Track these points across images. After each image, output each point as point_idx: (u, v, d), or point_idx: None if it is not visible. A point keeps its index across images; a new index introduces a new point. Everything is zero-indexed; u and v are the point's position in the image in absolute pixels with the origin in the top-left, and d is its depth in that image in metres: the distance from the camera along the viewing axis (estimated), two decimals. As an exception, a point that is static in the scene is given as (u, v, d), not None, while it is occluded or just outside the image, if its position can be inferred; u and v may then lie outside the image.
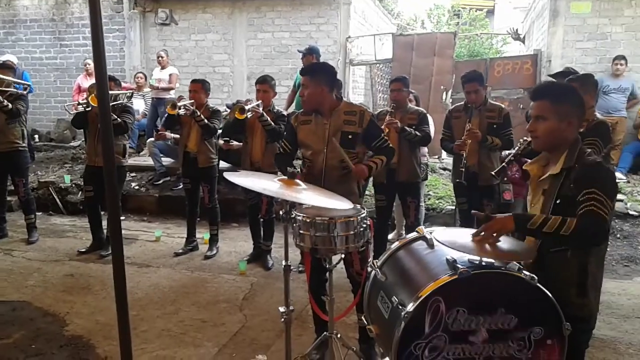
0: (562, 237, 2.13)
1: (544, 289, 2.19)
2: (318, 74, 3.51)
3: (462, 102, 5.15)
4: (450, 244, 2.29)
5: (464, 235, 2.39)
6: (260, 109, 5.25)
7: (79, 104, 5.78)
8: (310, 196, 2.71)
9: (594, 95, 4.13)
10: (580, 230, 2.11)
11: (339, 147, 3.42)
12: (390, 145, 3.75)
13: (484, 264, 2.21)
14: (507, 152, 4.75)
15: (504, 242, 2.31)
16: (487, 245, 2.26)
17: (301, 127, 3.63)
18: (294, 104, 7.49)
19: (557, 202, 2.27)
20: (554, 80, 3.93)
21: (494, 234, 2.26)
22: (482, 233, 2.28)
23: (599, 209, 2.12)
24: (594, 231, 2.13)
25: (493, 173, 4.37)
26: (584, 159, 2.28)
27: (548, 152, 2.44)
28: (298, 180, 2.81)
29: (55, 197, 7.98)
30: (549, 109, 2.33)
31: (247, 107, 5.14)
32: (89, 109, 5.59)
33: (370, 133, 3.57)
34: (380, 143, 3.63)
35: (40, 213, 7.33)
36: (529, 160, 2.59)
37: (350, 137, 3.50)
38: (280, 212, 2.86)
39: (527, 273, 2.20)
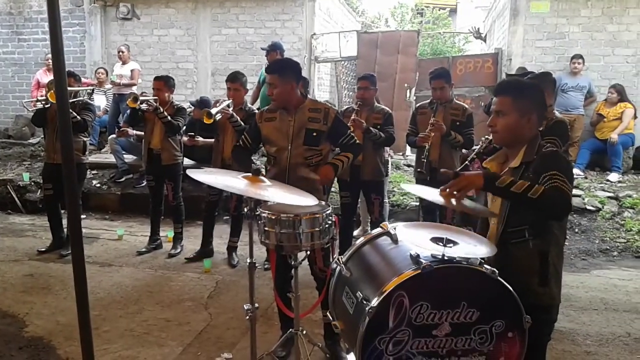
0: (529, 200, 2.16)
1: (505, 282, 2.23)
2: (286, 71, 3.49)
3: (428, 100, 5.23)
4: (420, 195, 2.44)
5: (432, 191, 2.46)
6: (231, 109, 5.13)
7: (37, 100, 5.64)
8: (275, 193, 2.71)
9: (552, 94, 4.23)
10: (546, 197, 2.15)
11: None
12: (357, 141, 3.77)
13: (446, 258, 2.24)
14: (466, 151, 4.86)
15: (469, 203, 2.39)
16: (453, 200, 2.31)
17: (265, 123, 3.61)
18: (258, 100, 7.44)
19: None
20: (518, 77, 4.01)
21: (462, 190, 2.29)
22: (450, 189, 2.31)
23: (561, 185, 2.18)
24: (559, 202, 2.18)
25: (456, 171, 4.44)
26: (541, 151, 2.35)
27: (507, 148, 2.50)
28: (262, 177, 2.80)
29: (14, 195, 7.78)
30: (509, 105, 2.38)
31: (213, 112, 5.03)
32: (48, 105, 5.47)
33: (336, 131, 3.58)
34: (347, 140, 3.65)
35: (-2, 212, 7.15)
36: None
37: (314, 134, 3.50)
38: (245, 209, 2.85)
39: (488, 267, 2.24)
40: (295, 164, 3.49)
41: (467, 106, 5.21)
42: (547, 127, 3.83)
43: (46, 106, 5.51)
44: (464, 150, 4.97)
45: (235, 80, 5.32)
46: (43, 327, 4.05)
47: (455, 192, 2.30)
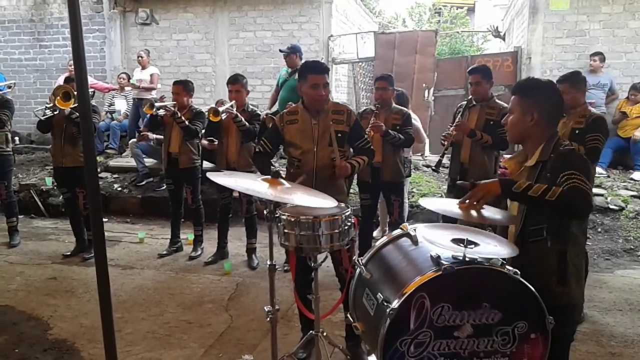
0: (547, 202, 2.17)
1: (527, 283, 2.21)
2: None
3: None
4: (438, 210, 2.46)
5: (451, 203, 2.48)
6: (234, 109, 5.24)
7: (46, 108, 5.64)
8: (296, 195, 2.71)
9: (583, 93, 4.32)
10: (564, 199, 2.15)
11: (335, 145, 3.49)
12: (372, 146, 3.81)
13: (467, 259, 2.23)
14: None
15: (489, 211, 2.41)
16: (473, 211, 2.33)
17: (288, 126, 3.60)
18: (276, 104, 7.46)
19: None
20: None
21: (480, 200, 2.33)
22: (468, 200, 2.35)
23: (580, 184, 2.18)
24: (578, 201, 2.17)
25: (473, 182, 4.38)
26: (558, 150, 2.35)
27: (522, 146, 2.53)
28: (282, 179, 2.81)
29: (37, 199, 7.90)
30: (517, 103, 2.46)
31: (220, 109, 5.13)
32: (57, 112, 5.49)
33: (355, 133, 3.63)
34: (364, 144, 3.70)
35: (22, 216, 7.22)
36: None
37: (339, 135, 3.54)
38: (265, 212, 2.86)
39: (510, 268, 2.22)
40: (322, 165, 3.51)
41: (505, 105, 4.71)
42: (588, 124, 4.02)
43: (55, 113, 5.54)
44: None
45: (236, 82, 5.43)
46: (67, 330, 4.10)
47: (474, 203, 2.34)
